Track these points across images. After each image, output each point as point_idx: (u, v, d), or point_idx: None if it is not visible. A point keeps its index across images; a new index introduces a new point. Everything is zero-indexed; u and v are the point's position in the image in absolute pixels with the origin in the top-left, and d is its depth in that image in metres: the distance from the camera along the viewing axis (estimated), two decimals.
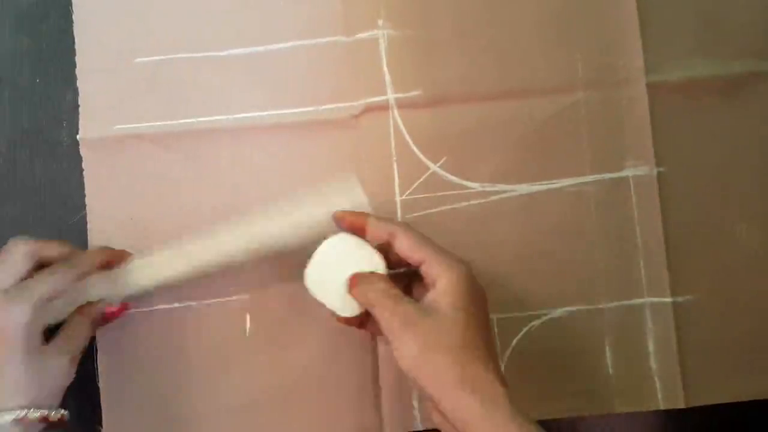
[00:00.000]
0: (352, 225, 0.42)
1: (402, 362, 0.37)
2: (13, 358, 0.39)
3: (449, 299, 0.38)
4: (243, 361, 0.47)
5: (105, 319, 0.45)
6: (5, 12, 0.49)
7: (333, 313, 0.42)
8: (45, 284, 0.41)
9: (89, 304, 0.44)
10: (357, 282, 0.40)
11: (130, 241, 0.47)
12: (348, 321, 0.42)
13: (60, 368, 0.41)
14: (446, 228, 0.48)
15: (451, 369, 0.36)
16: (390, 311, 0.38)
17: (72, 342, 0.42)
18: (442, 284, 0.39)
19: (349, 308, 0.41)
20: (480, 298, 0.40)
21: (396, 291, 0.39)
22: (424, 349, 0.37)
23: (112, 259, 0.45)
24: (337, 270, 0.41)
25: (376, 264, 0.41)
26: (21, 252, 0.42)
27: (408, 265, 0.41)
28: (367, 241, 0.41)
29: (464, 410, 0.36)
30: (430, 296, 0.39)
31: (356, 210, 0.43)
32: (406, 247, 0.40)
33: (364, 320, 0.42)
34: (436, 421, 0.39)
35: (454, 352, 0.37)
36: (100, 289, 0.44)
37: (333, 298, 0.42)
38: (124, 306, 0.45)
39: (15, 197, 0.49)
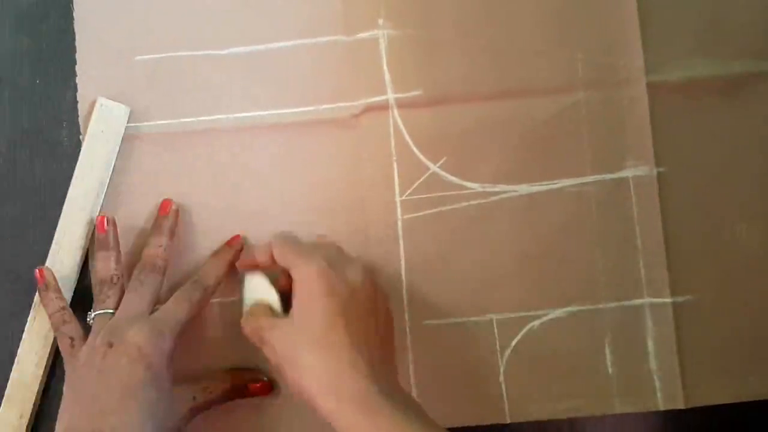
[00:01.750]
0: (249, 265, 0.45)
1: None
2: (153, 384, 0.41)
3: (297, 300, 0.41)
4: (243, 360, 0.47)
5: (249, 392, 0.46)
6: (5, 12, 0.49)
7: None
8: (183, 310, 0.43)
9: None
10: (243, 326, 0.44)
11: (129, 242, 0.48)
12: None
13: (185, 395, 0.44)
14: (446, 228, 0.48)
15: (312, 372, 0.38)
16: (263, 334, 0.41)
17: None
18: (294, 286, 0.41)
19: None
20: (339, 292, 0.40)
21: (265, 316, 0.43)
22: (285, 352, 0.40)
23: (233, 263, 0.47)
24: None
25: (267, 294, 0.44)
26: (159, 272, 0.45)
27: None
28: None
29: (329, 417, 0.38)
30: (270, 301, 0.43)
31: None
32: (276, 258, 0.43)
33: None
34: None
35: (312, 352, 0.39)
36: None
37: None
38: (267, 385, 0.47)
39: (15, 197, 0.49)
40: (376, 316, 0.42)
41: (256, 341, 0.42)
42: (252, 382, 0.46)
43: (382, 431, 0.37)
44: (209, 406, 0.45)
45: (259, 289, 0.45)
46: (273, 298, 0.44)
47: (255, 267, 0.45)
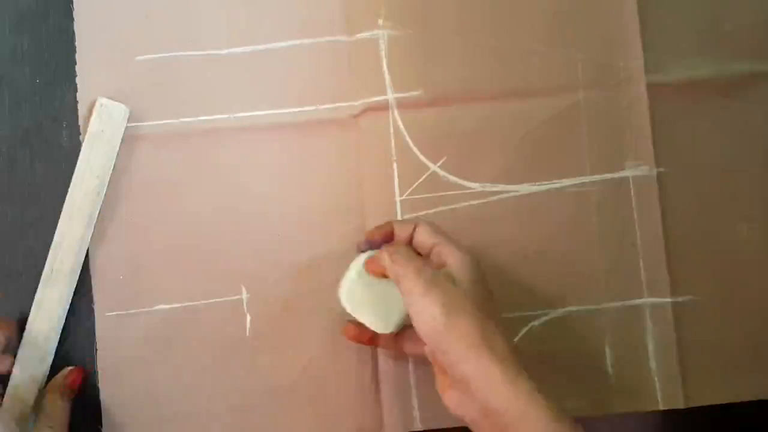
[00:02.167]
0: (384, 237, 0.44)
1: (424, 326, 0.38)
2: None
3: (466, 275, 0.40)
4: (243, 361, 0.47)
5: (76, 387, 0.46)
6: (5, 12, 0.49)
7: (342, 330, 0.44)
8: None
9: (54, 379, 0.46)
10: (380, 255, 0.42)
11: (129, 239, 0.48)
12: (358, 337, 0.44)
13: None
14: (446, 228, 0.48)
15: (473, 330, 0.37)
16: (414, 275, 0.39)
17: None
18: (458, 263, 0.40)
19: (387, 324, 0.43)
20: (487, 286, 0.41)
21: (419, 258, 0.41)
22: (447, 311, 0.38)
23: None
24: (373, 287, 0.43)
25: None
26: None
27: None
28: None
29: (484, 370, 0.37)
30: (447, 270, 0.40)
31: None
32: (424, 233, 0.42)
33: (374, 336, 0.44)
34: (450, 402, 0.39)
35: (476, 316, 0.38)
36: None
37: (371, 314, 0.43)
38: (80, 369, 0.46)
39: (15, 197, 0.48)
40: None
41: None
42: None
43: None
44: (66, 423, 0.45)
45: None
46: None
47: (390, 239, 0.45)
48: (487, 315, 0.38)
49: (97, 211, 0.47)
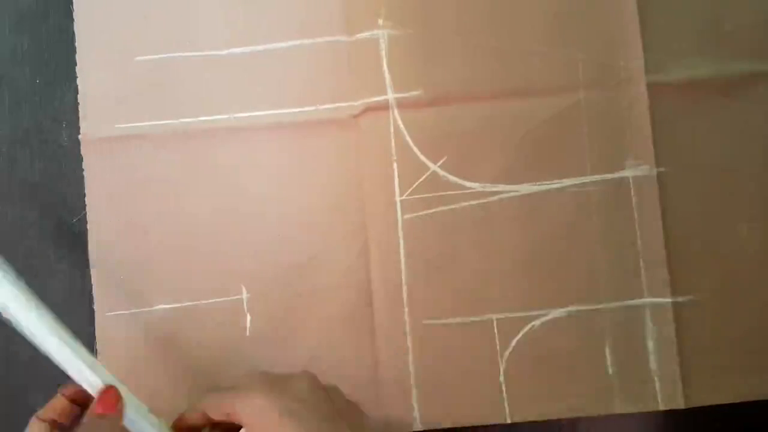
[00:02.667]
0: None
1: None
2: None
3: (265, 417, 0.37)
4: (243, 360, 0.47)
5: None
6: (5, 12, 0.49)
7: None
8: None
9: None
10: None
11: (128, 239, 0.48)
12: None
13: None
14: (446, 228, 0.48)
15: None
16: None
17: None
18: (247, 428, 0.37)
19: None
20: (291, 412, 0.37)
21: None
22: None
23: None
24: None
25: None
26: None
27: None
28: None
29: None
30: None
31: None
32: (213, 413, 0.39)
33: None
34: None
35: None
36: None
37: None
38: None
39: (15, 197, 0.49)
40: (339, 416, 0.39)
41: None
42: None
43: None
44: None
45: None
46: None
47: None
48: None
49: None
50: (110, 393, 0.38)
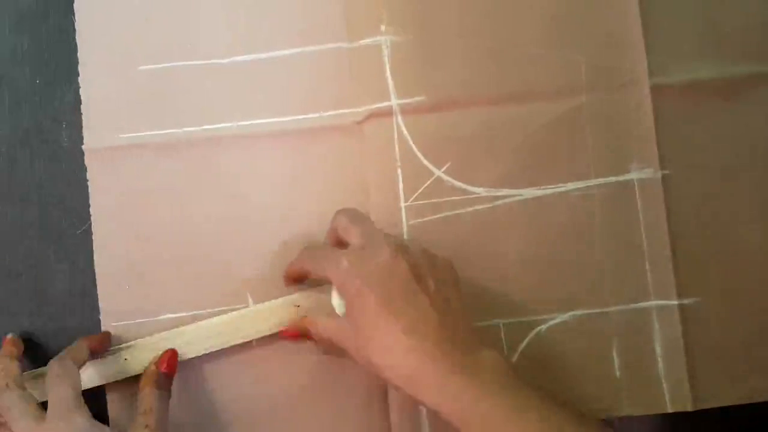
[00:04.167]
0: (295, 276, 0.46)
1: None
2: None
3: (345, 302, 0.41)
4: (250, 368, 0.47)
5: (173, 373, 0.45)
6: (5, 12, 0.49)
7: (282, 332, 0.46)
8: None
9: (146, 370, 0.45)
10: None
11: (133, 249, 0.47)
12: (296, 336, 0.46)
13: None
14: (451, 233, 0.48)
15: (390, 371, 0.39)
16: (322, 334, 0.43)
17: None
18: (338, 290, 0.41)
19: None
20: (371, 282, 0.39)
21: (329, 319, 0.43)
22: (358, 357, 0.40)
23: (101, 346, 0.45)
24: None
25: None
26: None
27: None
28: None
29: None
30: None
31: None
32: (306, 270, 0.44)
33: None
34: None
35: (375, 354, 0.39)
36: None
37: None
38: (174, 351, 0.45)
39: (14, 198, 0.48)
40: (427, 283, 0.40)
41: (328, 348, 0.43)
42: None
43: (468, 414, 0.37)
44: None
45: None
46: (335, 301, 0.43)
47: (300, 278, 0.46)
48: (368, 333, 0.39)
49: None
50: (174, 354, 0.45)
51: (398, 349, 0.38)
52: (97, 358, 0.45)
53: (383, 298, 0.38)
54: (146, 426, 0.41)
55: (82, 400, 0.40)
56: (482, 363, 0.38)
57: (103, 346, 0.45)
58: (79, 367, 0.42)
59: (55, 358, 0.41)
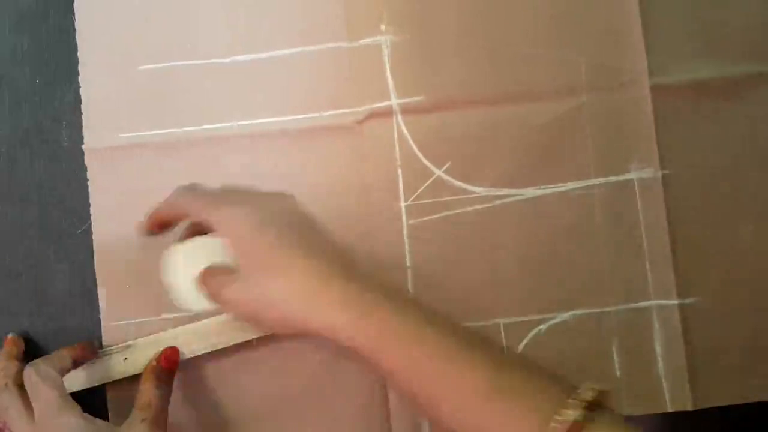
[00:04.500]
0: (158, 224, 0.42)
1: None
2: None
3: (232, 247, 0.38)
4: (250, 370, 0.47)
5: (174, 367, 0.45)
6: (5, 12, 0.49)
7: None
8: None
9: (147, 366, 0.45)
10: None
11: (133, 248, 0.47)
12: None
13: None
14: (451, 233, 0.48)
15: (285, 303, 0.36)
16: (224, 294, 0.39)
17: None
18: (221, 234, 0.38)
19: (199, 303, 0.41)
20: (262, 217, 0.38)
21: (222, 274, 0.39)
22: (250, 301, 0.37)
23: (83, 355, 0.45)
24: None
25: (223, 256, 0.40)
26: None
27: None
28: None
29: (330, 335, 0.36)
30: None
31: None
32: (188, 212, 0.40)
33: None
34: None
35: (275, 283, 0.37)
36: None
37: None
38: (174, 349, 0.45)
39: (14, 198, 0.48)
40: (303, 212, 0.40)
41: (222, 304, 0.40)
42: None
43: (381, 322, 0.35)
44: None
45: (199, 257, 0.41)
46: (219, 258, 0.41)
47: (165, 225, 0.43)
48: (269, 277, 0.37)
49: None
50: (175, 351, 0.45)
51: (295, 272, 0.36)
52: (82, 365, 0.45)
53: (280, 233, 0.37)
54: (143, 420, 0.41)
55: (69, 398, 0.40)
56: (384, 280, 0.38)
57: (87, 355, 0.45)
58: (63, 375, 0.42)
59: (27, 365, 0.41)
